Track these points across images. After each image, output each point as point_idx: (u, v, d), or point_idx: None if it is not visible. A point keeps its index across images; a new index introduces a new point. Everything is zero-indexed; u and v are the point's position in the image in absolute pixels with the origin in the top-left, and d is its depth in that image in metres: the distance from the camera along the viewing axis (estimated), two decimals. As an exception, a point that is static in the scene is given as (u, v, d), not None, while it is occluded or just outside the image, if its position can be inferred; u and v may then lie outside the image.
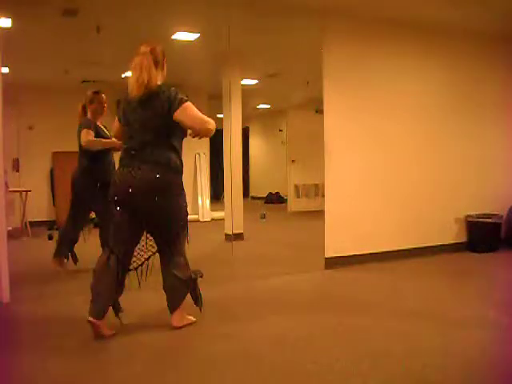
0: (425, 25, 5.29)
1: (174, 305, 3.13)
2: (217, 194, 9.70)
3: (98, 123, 4.67)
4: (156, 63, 3.02)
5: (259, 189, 12.88)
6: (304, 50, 5.93)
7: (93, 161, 4.60)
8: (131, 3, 4.49)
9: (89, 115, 4.69)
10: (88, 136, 4.43)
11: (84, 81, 7.42)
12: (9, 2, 4.19)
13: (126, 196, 2.96)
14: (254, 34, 5.55)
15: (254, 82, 7.92)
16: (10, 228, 5.69)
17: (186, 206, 3.10)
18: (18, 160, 8.07)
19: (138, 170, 2.93)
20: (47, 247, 6.43)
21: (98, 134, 4.57)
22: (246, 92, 6.87)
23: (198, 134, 2.97)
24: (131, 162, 2.97)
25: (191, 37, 5.47)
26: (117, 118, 3.18)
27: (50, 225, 7.92)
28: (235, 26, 4.71)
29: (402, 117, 5.38)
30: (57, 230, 7.65)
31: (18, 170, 8.08)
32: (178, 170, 3.03)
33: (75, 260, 4.87)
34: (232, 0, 4.47)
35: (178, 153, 3.04)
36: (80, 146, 4.65)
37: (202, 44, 5.71)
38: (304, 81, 7.60)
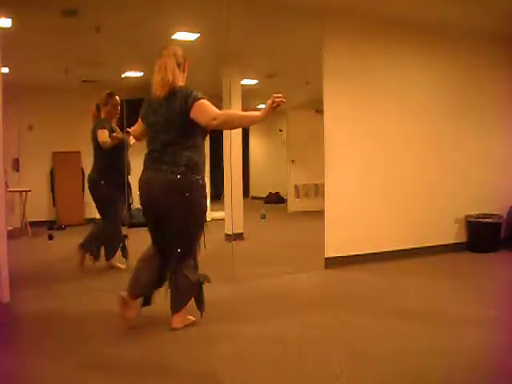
0: (425, 25, 5.29)
1: (177, 306, 3.12)
2: (217, 194, 9.70)
3: (112, 125, 4.67)
4: (178, 65, 3.08)
5: (259, 189, 12.86)
6: (304, 49, 5.92)
7: (109, 161, 4.59)
8: (131, 3, 4.49)
9: (103, 116, 4.70)
10: (104, 135, 4.43)
11: (84, 81, 7.42)
12: (9, 2, 4.19)
13: (149, 198, 3.04)
14: (254, 34, 5.54)
15: (254, 81, 7.92)
16: (10, 228, 5.69)
17: (206, 209, 3.12)
18: (18, 160, 8.06)
19: (158, 171, 2.98)
20: (47, 247, 6.44)
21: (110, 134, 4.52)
22: (246, 92, 6.87)
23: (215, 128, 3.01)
24: (152, 165, 3.04)
25: (191, 37, 5.46)
26: (140, 118, 3.23)
27: (49, 225, 7.91)
28: (235, 25, 4.71)
29: (402, 117, 5.38)
30: (57, 229, 7.67)
31: (18, 170, 8.08)
32: (199, 170, 3.04)
33: (97, 257, 4.78)
34: (232, 0, 4.47)
35: (199, 153, 3.06)
36: (95, 147, 4.64)
37: (202, 44, 5.70)
38: (304, 81, 7.59)
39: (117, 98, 4.78)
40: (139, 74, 6.91)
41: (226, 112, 3.01)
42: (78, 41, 5.55)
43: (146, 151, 3.13)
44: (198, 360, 2.70)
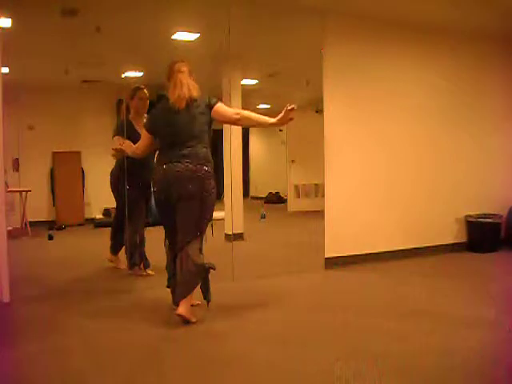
0: (425, 25, 5.29)
1: (184, 290, 3.18)
2: (217, 194, 9.71)
3: (139, 123, 4.47)
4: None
5: (259, 189, 12.87)
6: (304, 49, 5.91)
7: (132, 159, 4.30)
8: (131, 3, 4.49)
9: (131, 112, 4.59)
10: (116, 144, 4.18)
11: (84, 81, 7.41)
12: (9, 2, 4.19)
13: (166, 187, 3.29)
14: (254, 34, 5.54)
15: (254, 81, 7.91)
16: (10, 228, 5.69)
17: (215, 200, 3.42)
18: (18, 160, 8.06)
19: (179, 163, 3.27)
20: (47, 247, 6.45)
21: (130, 135, 4.27)
22: (246, 92, 6.87)
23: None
24: (172, 159, 3.31)
25: (191, 37, 5.46)
26: (146, 131, 3.54)
27: (49, 225, 7.91)
28: (235, 26, 4.71)
29: (402, 117, 5.38)
30: (57, 229, 7.67)
31: (17, 170, 8.08)
32: (213, 166, 3.41)
33: (146, 264, 4.58)
34: (232, 0, 4.47)
35: (210, 150, 3.44)
36: None
37: (202, 44, 5.70)
38: (304, 81, 7.59)
39: (145, 91, 4.62)
40: (139, 74, 6.90)
41: (243, 111, 3.57)
42: (78, 41, 5.55)
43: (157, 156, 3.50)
44: (197, 359, 2.70)
